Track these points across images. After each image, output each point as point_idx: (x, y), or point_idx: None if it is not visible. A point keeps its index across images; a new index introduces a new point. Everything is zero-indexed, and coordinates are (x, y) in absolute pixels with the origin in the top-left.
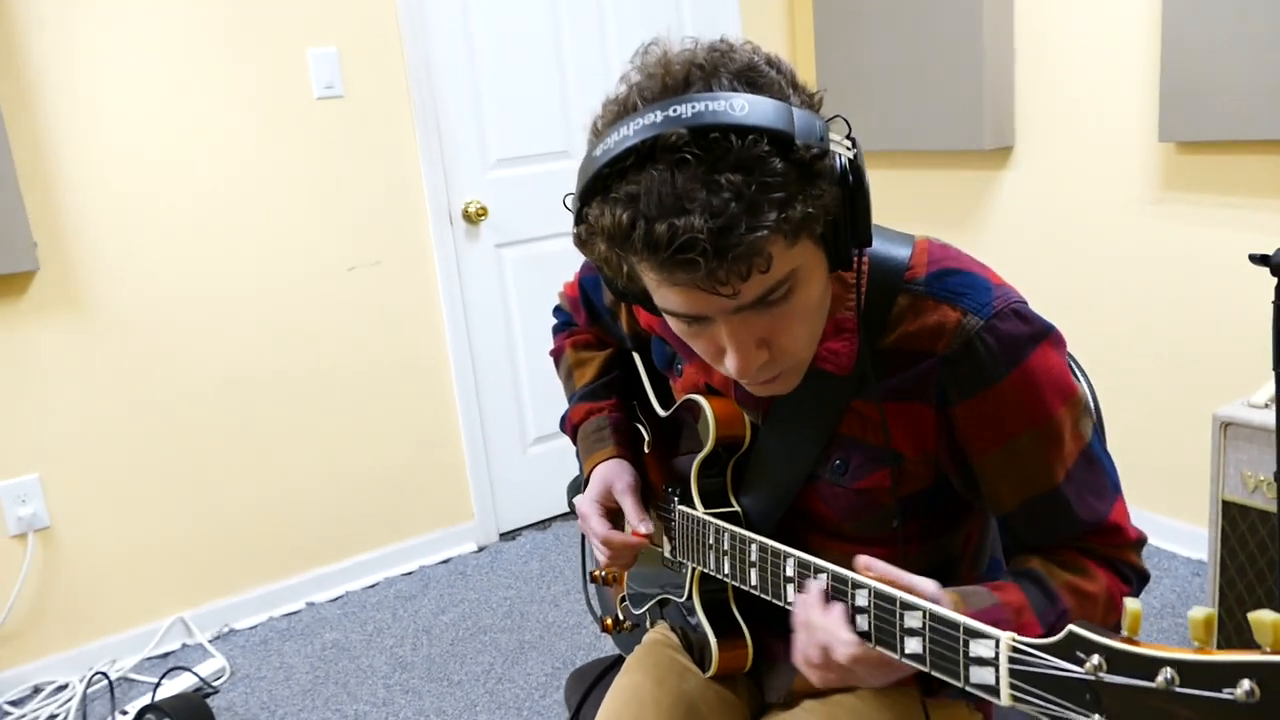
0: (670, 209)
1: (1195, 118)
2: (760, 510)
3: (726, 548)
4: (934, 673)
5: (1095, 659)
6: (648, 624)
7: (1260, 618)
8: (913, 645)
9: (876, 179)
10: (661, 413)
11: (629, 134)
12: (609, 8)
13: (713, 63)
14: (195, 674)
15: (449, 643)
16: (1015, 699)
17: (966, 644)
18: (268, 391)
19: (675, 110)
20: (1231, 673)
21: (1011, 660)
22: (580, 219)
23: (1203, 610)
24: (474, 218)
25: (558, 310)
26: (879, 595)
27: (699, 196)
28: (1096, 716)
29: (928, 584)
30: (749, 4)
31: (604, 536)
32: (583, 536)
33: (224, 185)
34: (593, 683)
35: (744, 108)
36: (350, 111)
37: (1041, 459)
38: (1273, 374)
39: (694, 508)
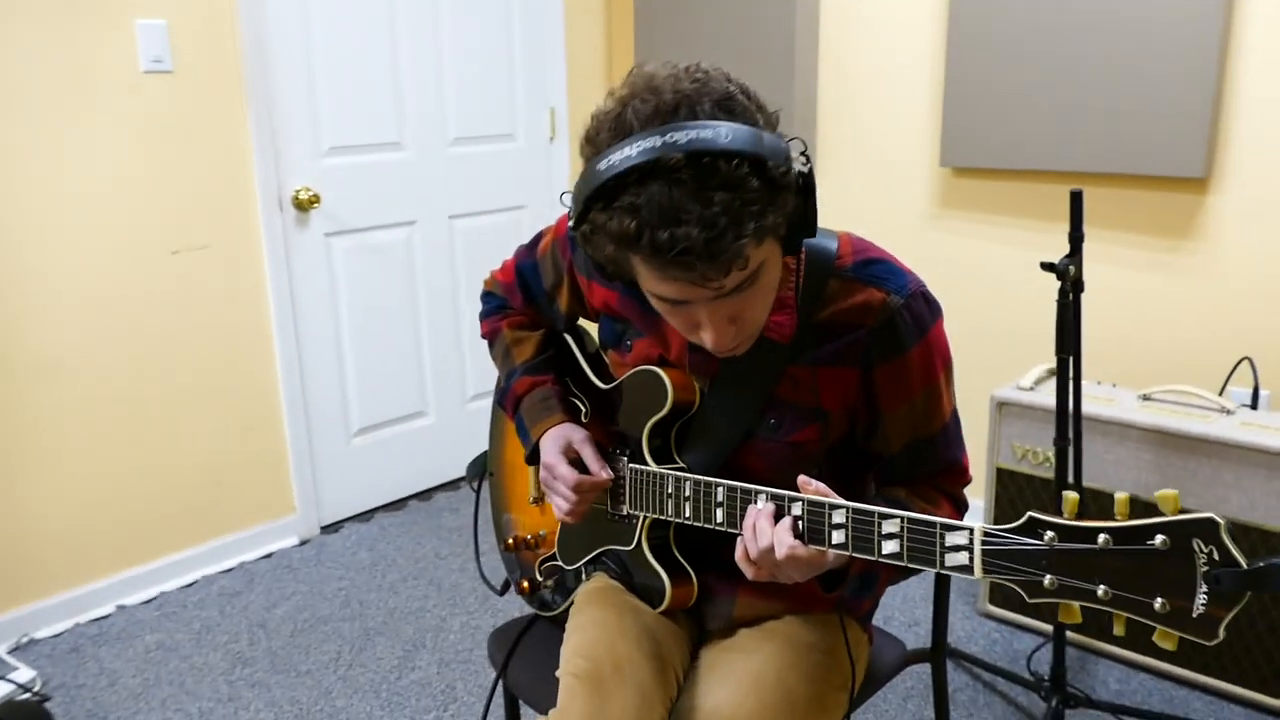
0: (670, 220)
1: (970, 147)
2: (702, 465)
3: (689, 494)
4: (910, 564)
5: (1050, 534)
6: (584, 576)
7: (1164, 494)
8: (890, 546)
9: None
10: (602, 385)
11: (632, 154)
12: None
13: (696, 92)
14: (14, 683)
15: (289, 634)
16: (986, 572)
17: (943, 537)
18: (77, 378)
19: (673, 137)
20: (1150, 531)
21: (984, 543)
22: (583, 220)
23: (1123, 494)
24: (305, 204)
25: (488, 296)
26: (810, 504)
27: (694, 210)
28: (1049, 576)
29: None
30: (573, 11)
31: (575, 480)
32: (475, 513)
33: (40, 159)
34: (517, 639)
35: (728, 135)
36: (178, 88)
37: (928, 412)
38: (1039, 360)
39: (646, 464)
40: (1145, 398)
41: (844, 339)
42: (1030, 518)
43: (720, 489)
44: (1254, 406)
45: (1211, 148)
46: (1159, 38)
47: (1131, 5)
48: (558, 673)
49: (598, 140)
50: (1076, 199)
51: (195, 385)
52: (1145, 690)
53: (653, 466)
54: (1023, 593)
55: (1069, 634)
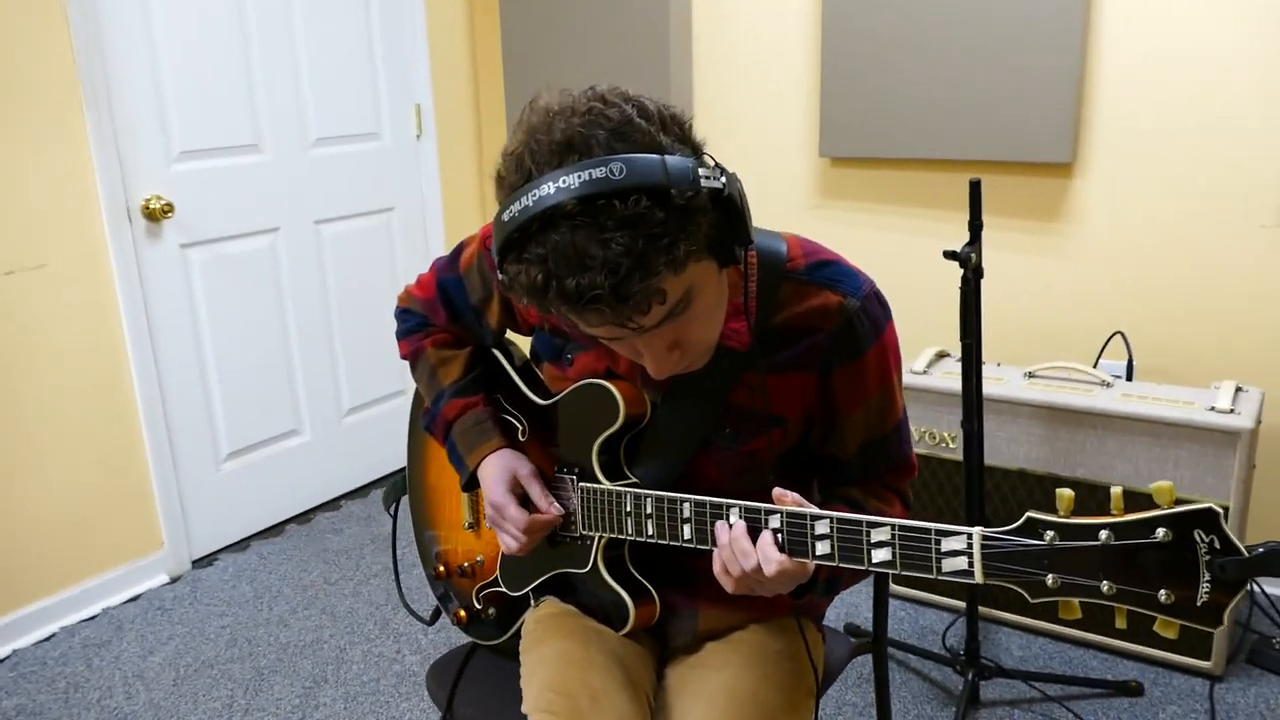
0: (575, 267)
1: (848, 137)
2: (655, 478)
3: (650, 511)
4: (905, 572)
5: (1050, 533)
6: (532, 602)
7: (1159, 486)
8: (881, 555)
9: None
10: (540, 401)
11: (530, 204)
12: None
13: (589, 124)
14: None
15: (171, 683)
16: (988, 576)
17: (939, 543)
18: None
19: (564, 181)
20: (1151, 524)
21: (985, 547)
22: (502, 271)
23: (1118, 488)
24: (157, 215)
25: (406, 313)
26: (790, 516)
27: (596, 254)
28: (1051, 575)
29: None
30: (434, 4)
31: (526, 523)
32: (393, 541)
33: None
34: (459, 672)
35: (622, 171)
36: (5, 91)
37: (883, 411)
38: (925, 344)
39: (598, 482)
40: (1030, 375)
41: (802, 343)
42: (1029, 518)
43: (686, 505)
44: (1129, 378)
45: (1076, 134)
46: (1026, 31)
47: (998, 2)
48: (525, 709)
49: (505, 183)
50: (975, 188)
51: (42, 419)
52: (1046, 655)
53: (606, 484)
54: (1025, 593)
55: (954, 602)
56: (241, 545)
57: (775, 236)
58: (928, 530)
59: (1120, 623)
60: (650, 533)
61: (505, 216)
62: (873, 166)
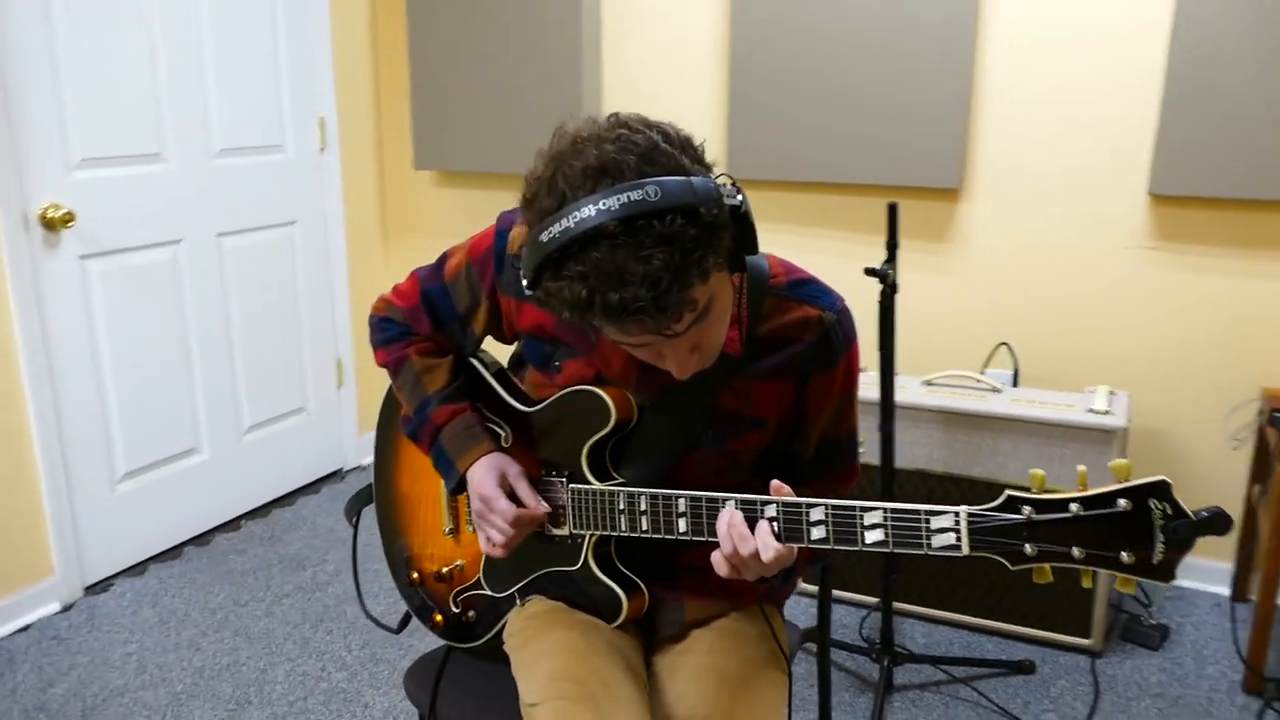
0: (616, 283)
1: (755, 162)
2: (642, 478)
3: (645, 508)
4: (896, 550)
5: (1028, 509)
6: (518, 602)
7: (1117, 463)
8: (874, 535)
9: (478, 198)
10: (524, 408)
11: (570, 226)
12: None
13: (621, 150)
14: None
15: (79, 715)
16: (974, 549)
17: (928, 521)
18: None
19: (604, 204)
20: (1113, 496)
21: (971, 523)
22: (536, 286)
23: (1082, 467)
24: (55, 224)
25: (385, 322)
26: (786, 505)
27: (637, 271)
28: (1029, 545)
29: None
30: (340, 18)
31: (515, 515)
32: (354, 553)
33: None
34: (439, 674)
35: (657, 193)
36: None
37: (841, 416)
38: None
39: (588, 483)
40: (928, 383)
41: (784, 353)
42: (1009, 495)
43: (682, 500)
44: (1015, 384)
45: (962, 163)
46: (919, 66)
47: (894, 41)
48: (530, 700)
49: (536, 206)
50: (893, 211)
51: None
52: (947, 640)
53: (597, 484)
54: (1006, 562)
55: (867, 598)
56: (138, 569)
57: (758, 255)
58: (917, 511)
59: (1086, 583)
60: (645, 528)
61: (544, 237)
62: (776, 189)
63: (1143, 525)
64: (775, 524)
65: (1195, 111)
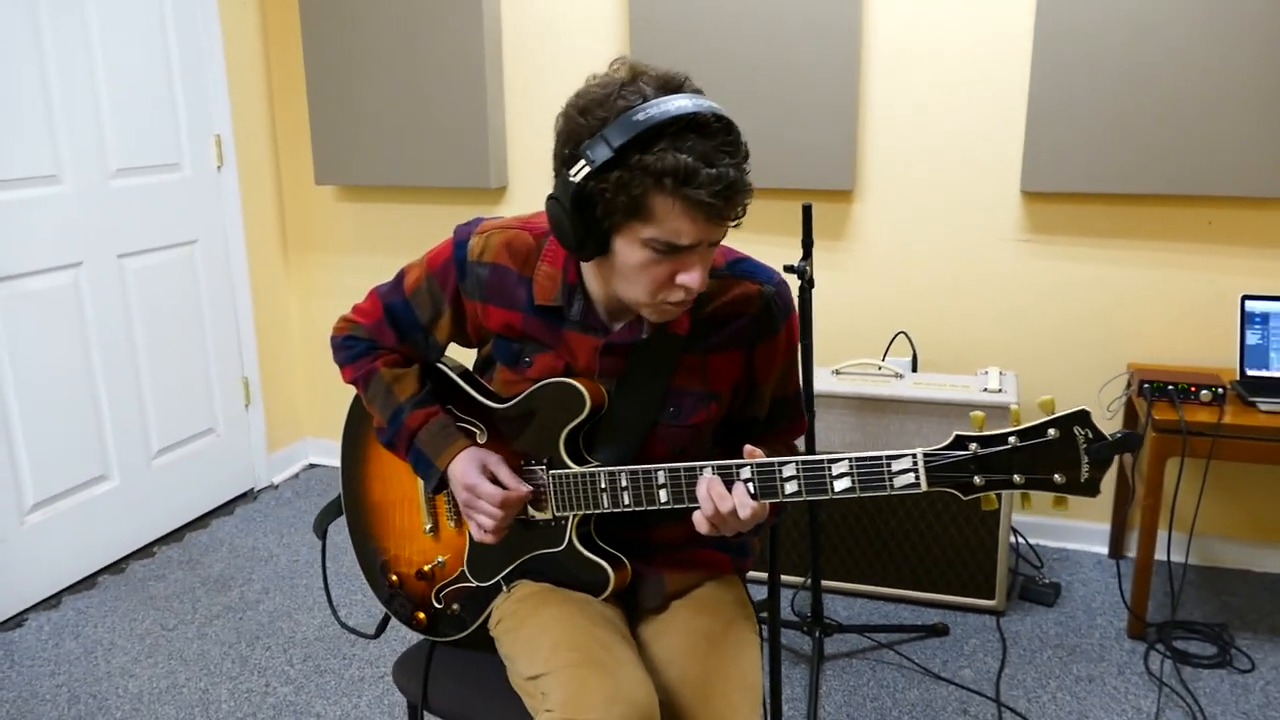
0: (709, 162)
1: None
2: (614, 458)
3: (625, 484)
4: (862, 494)
5: (973, 445)
6: (504, 588)
7: (1043, 400)
8: (842, 484)
9: (380, 212)
10: (496, 405)
11: (671, 108)
12: (94, 19)
13: (683, 76)
14: None
15: None
16: (931, 485)
17: (889, 464)
18: None
19: (701, 101)
20: (1043, 428)
21: (927, 462)
22: (617, 164)
23: (1015, 406)
24: None
25: (350, 340)
26: (760, 466)
27: (723, 156)
28: (978, 476)
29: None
30: (231, 33)
31: (501, 497)
32: (323, 565)
33: None
34: (427, 663)
35: (723, 110)
36: None
37: (788, 376)
38: None
39: (568, 468)
40: (837, 372)
41: (730, 327)
42: (957, 436)
43: (661, 473)
44: (914, 370)
45: (854, 166)
46: (811, 79)
47: (787, 52)
48: (535, 671)
49: (613, 106)
50: (807, 212)
51: None
52: (868, 611)
53: (576, 468)
54: (958, 493)
55: (795, 578)
56: (52, 602)
57: None
58: (879, 457)
59: (1024, 505)
60: (627, 502)
61: (640, 115)
62: None
63: (1070, 449)
64: (751, 484)
65: (1058, 116)
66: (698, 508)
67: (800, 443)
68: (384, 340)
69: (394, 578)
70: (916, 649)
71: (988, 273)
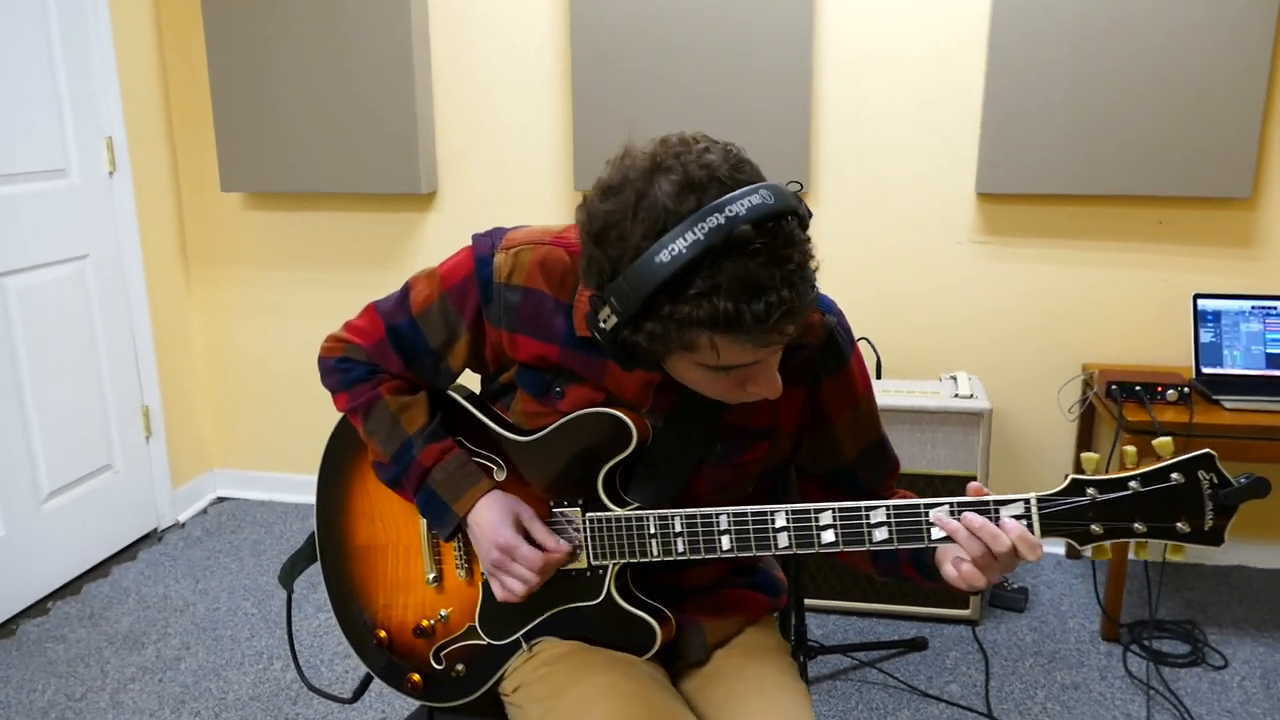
0: (756, 292)
1: (601, 169)
2: (654, 499)
3: (680, 529)
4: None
5: (1091, 490)
6: (524, 646)
7: (1162, 441)
8: (938, 532)
9: (295, 221)
10: (520, 438)
11: (700, 237)
12: None
13: (714, 163)
14: None
15: None
16: (1045, 532)
17: (997, 512)
18: None
19: (732, 210)
20: (1167, 471)
21: (1041, 508)
22: (648, 318)
23: (1131, 448)
24: None
25: (346, 362)
26: (843, 511)
27: (773, 275)
28: (1097, 524)
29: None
30: (123, 28)
31: (542, 562)
32: (288, 621)
33: None
34: None
35: (771, 196)
36: None
37: (871, 415)
38: None
39: (607, 510)
40: None
41: (792, 360)
42: (1073, 480)
43: (724, 517)
44: (879, 376)
45: (809, 169)
46: (763, 81)
47: (738, 59)
48: None
49: (630, 235)
50: None
51: None
52: (842, 629)
53: (618, 511)
54: (1075, 542)
55: None
56: None
57: None
58: (986, 503)
59: (1140, 554)
60: (681, 550)
61: (664, 256)
62: None
63: (1194, 495)
64: (886, 529)
65: (1013, 118)
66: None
67: None
68: (387, 364)
69: (382, 634)
70: (899, 666)
71: (944, 275)
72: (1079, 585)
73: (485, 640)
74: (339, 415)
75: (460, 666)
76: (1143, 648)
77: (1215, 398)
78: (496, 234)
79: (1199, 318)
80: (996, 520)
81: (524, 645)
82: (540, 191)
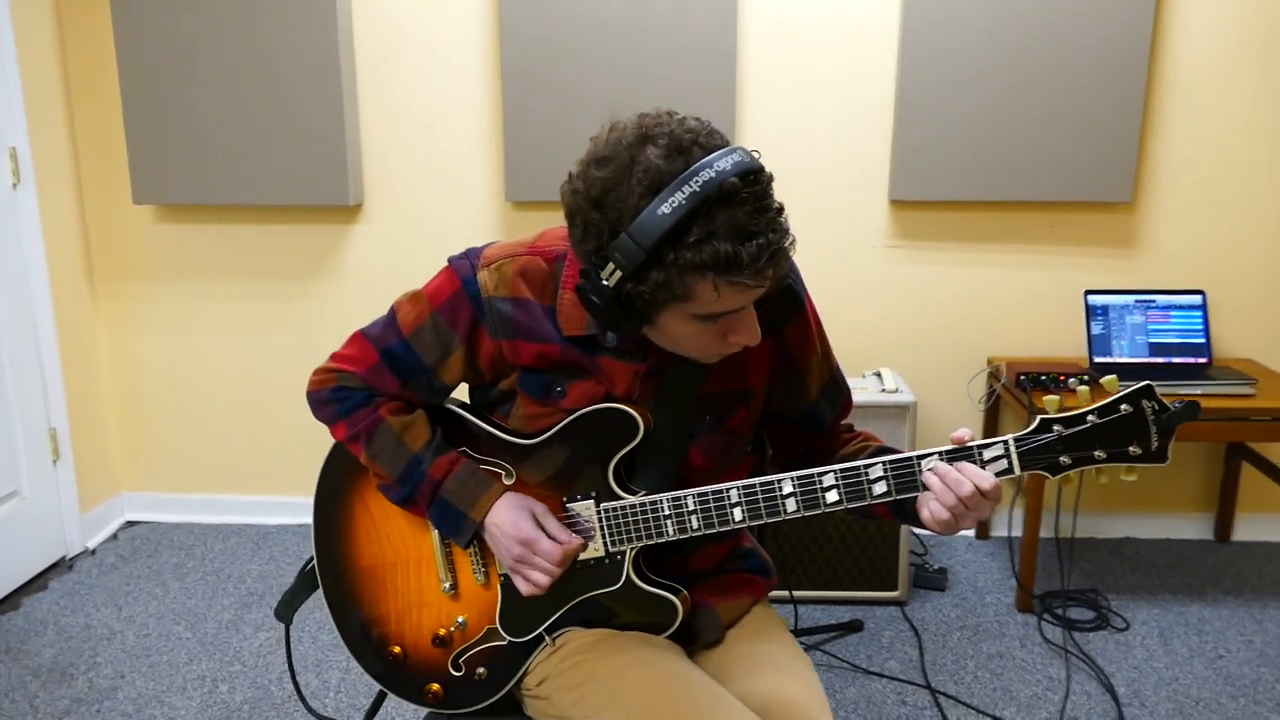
0: (747, 235)
1: (536, 180)
2: (658, 481)
3: (693, 507)
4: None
5: (1058, 427)
6: (547, 640)
7: (1109, 379)
8: (931, 478)
9: (212, 234)
10: (524, 441)
11: (696, 188)
12: None
13: (694, 130)
14: None
15: None
16: (1023, 468)
17: (981, 453)
18: None
19: (719, 166)
20: (1117, 404)
21: (1018, 447)
22: (653, 266)
23: (1084, 388)
24: None
25: (342, 391)
26: (844, 472)
27: (760, 220)
28: (1065, 456)
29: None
30: (25, 34)
31: (561, 554)
32: (288, 652)
33: None
34: None
35: (745, 157)
36: None
37: (826, 351)
38: None
39: (619, 499)
40: None
41: (756, 311)
42: (1042, 419)
43: (734, 491)
44: None
45: None
46: (685, 94)
47: (664, 75)
48: None
49: (627, 196)
50: None
51: None
52: (782, 614)
53: (630, 499)
54: (1047, 474)
55: None
56: None
57: None
58: (970, 447)
59: (1102, 479)
60: (695, 526)
61: (665, 208)
62: (555, 208)
63: (1140, 422)
64: (885, 483)
65: (921, 131)
66: (771, 521)
67: None
68: (383, 387)
69: (396, 649)
70: (839, 647)
71: (862, 278)
72: (991, 563)
73: (507, 640)
74: (259, 434)
75: (481, 669)
76: (1055, 616)
77: None
78: (472, 254)
79: (1090, 312)
80: (983, 464)
81: (547, 639)
82: (470, 203)
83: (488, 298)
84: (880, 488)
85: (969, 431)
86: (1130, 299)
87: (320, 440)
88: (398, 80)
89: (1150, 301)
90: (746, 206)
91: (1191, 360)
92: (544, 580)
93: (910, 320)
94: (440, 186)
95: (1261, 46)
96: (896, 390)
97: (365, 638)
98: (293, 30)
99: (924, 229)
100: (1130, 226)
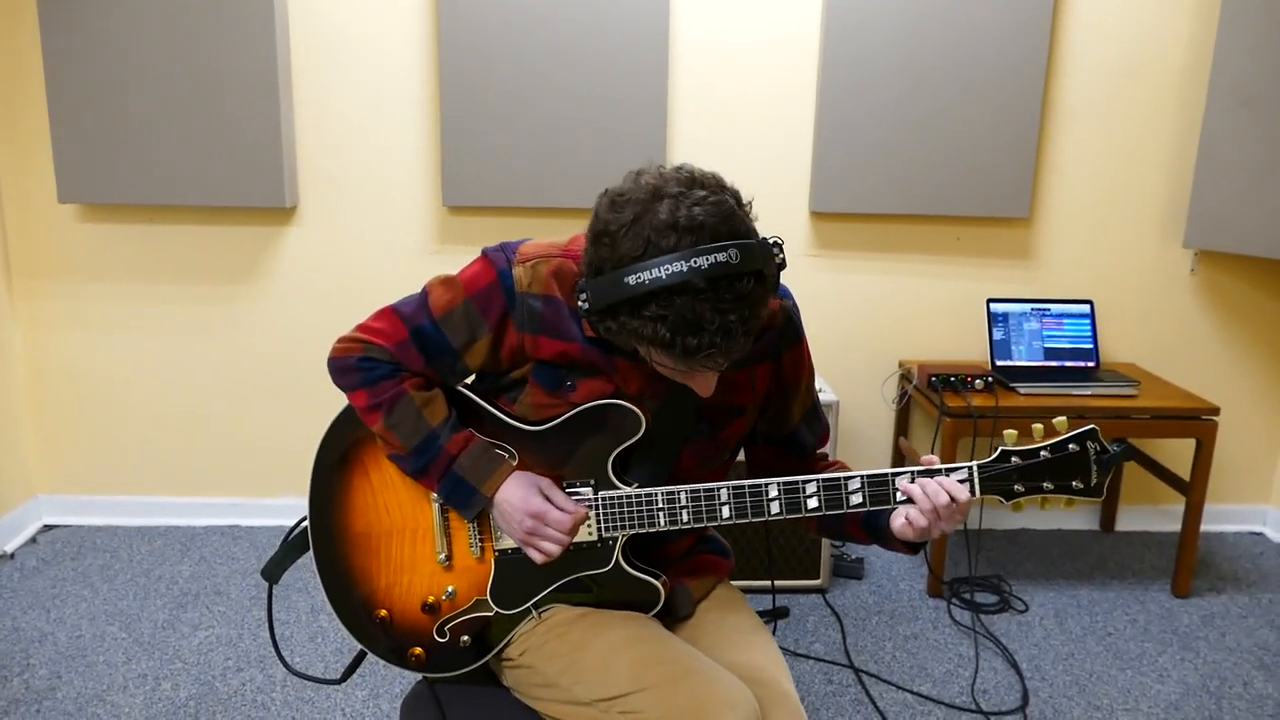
0: (695, 329)
1: (474, 188)
2: (650, 476)
3: (685, 502)
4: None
5: (1015, 458)
6: (534, 614)
7: (1059, 420)
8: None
9: (138, 234)
10: (531, 428)
11: (662, 276)
12: None
13: (704, 212)
14: None
15: None
16: (982, 492)
17: (947, 475)
18: None
19: (696, 263)
20: (1066, 443)
21: (980, 473)
22: (607, 318)
23: (1039, 425)
24: None
25: (369, 361)
26: (826, 482)
27: (714, 320)
28: (1019, 484)
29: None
30: None
31: (571, 521)
32: (269, 615)
33: None
34: (438, 704)
35: (737, 256)
36: None
37: (811, 386)
38: None
39: (617, 489)
40: None
41: (761, 341)
42: (1003, 451)
43: (724, 490)
44: None
45: None
46: (624, 112)
47: (598, 87)
48: (614, 695)
49: (615, 247)
50: None
51: None
52: None
53: (626, 490)
54: (1001, 498)
55: None
56: None
57: None
58: (939, 469)
59: (1043, 507)
60: (685, 520)
61: (630, 280)
62: (494, 214)
63: (1084, 460)
64: (861, 494)
65: (838, 148)
66: (755, 521)
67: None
68: (410, 362)
69: (382, 612)
70: None
71: (794, 284)
72: (925, 551)
73: (494, 611)
74: (187, 436)
75: (465, 638)
76: (962, 600)
77: (1012, 385)
78: (508, 248)
79: (991, 319)
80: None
81: (534, 613)
82: (406, 207)
83: (521, 293)
84: (857, 499)
85: (936, 457)
86: (1028, 307)
87: (250, 443)
88: (335, 82)
89: (1045, 310)
90: (706, 306)
91: (1081, 364)
92: (555, 550)
93: (829, 325)
94: (376, 190)
95: (1141, 79)
96: (822, 390)
97: (349, 601)
98: (229, 30)
99: (842, 239)
100: (1027, 240)
